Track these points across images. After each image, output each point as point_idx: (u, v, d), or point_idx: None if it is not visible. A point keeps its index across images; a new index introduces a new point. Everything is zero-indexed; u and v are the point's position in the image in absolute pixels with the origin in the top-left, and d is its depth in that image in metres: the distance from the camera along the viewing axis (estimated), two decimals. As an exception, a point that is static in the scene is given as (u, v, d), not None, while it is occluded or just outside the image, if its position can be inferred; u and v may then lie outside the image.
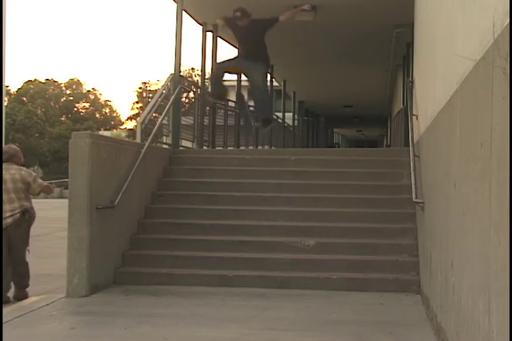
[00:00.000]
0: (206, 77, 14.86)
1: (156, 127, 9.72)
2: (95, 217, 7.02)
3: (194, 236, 8.26)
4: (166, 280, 7.50)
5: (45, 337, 5.34)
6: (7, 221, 6.84)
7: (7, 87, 56.48)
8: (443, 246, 4.87)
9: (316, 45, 16.08)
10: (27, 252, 7.00)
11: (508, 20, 2.60)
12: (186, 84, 13.03)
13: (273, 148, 17.86)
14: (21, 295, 6.91)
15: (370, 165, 9.63)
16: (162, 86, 11.04)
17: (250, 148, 15.85)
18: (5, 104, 36.52)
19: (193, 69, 51.06)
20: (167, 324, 5.62)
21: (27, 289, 7.01)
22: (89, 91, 68.81)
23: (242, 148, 15.18)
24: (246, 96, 10.50)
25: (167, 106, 10.21)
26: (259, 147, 16.83)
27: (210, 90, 10.19)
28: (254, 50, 9.79)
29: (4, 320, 5.54)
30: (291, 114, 23.37)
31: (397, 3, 11.13)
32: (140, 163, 8.18)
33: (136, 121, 13.94)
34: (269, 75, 19.14)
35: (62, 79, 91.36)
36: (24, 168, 7.17)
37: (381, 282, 7.26)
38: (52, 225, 14.20)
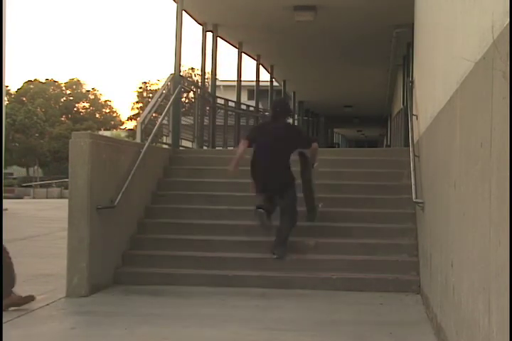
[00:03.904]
0: (206, 77, 14.87)
1: (156, 127, 9.72)
2: (95, 217, 7.02)
3: (194, 236, 8.26)
4: (166, 280, 7.49)
5: (45, 337, 5.34)
6: None
7: (7, 87, 56.47)
8: (443, 246, 4.87)
9: (316, 45, 16.08)
10: None
11: (508, 20, 2.60)
12: (186, 84, 13.04)
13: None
14: None
15: (370, 165, 9.63)
16: (162, 86, 11.05)
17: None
18: (5, 104, 36.51)
19: (193, 69, 51.09)
20: (167, 324, 5.62)
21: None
22: (89, 91, 68.78)
23: (242, 148, 15.16)
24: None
25: (167, 106, 10.21)
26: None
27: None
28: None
29: (4, 320, 5.53)
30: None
31: (397, 3, 11.14)
32: (140, 163, 8.17)
33: (136, 121, 13.93)
34: (268, 75, 19.23)
35: (62, 79, 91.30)
36: None
37: (381, 282, 7.26)
38: (52, 225, 14.17)
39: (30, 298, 6.19)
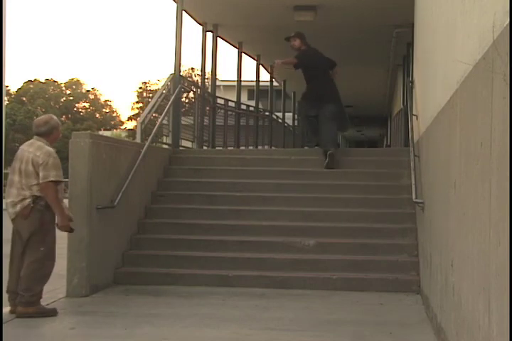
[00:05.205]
0: (206, 77, 14.86)
1: (156, 127, 9.72)
2: (95, 217, 7.03)
3: (194, 236, 8.26)
4: (166, 280, 7.50)
5: (45, 337, 5.35)
6: (15, 209, 5.84)
7: (7, 87, 56.49)
8: (443, 246, 4.87)
9: (315, 45, 16.01)
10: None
11: (508, 20, 2.60)
12: (186, 84, 13.03)
13: (273, 148, 17.86)
14: (19, 311, 5.79)
15: (370, 165, 9.64)
16: (162, 86, 11.04)
17: (250, 148, 15.85)
18: (5, 104, 36.52)
19: (193, 69, 51.08)
20: (167, 324, 5.63)
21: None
22: (89, 91, 68.81)
23: (242, 148, 15.18)
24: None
25: (167, 106, 10.21)
26: (259, 147, 16.83)
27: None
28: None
29: (4, 320, 5.54)
30: (291, 114, 23.36)
31: (397, 3, 11.12)
32: (140, 163, 8.18)
33: (136, 121, 13.92)
34: (269, 75, 19.22)
35: (62, 79, 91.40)
36: (47, 148, 5.90)
37: (381, 282, 7.26)
38: (52, 225, 14.17)
39: (53, 312, 5.98)
